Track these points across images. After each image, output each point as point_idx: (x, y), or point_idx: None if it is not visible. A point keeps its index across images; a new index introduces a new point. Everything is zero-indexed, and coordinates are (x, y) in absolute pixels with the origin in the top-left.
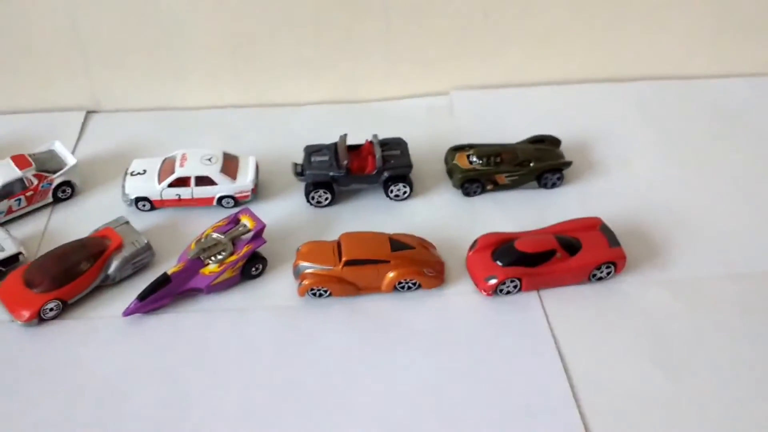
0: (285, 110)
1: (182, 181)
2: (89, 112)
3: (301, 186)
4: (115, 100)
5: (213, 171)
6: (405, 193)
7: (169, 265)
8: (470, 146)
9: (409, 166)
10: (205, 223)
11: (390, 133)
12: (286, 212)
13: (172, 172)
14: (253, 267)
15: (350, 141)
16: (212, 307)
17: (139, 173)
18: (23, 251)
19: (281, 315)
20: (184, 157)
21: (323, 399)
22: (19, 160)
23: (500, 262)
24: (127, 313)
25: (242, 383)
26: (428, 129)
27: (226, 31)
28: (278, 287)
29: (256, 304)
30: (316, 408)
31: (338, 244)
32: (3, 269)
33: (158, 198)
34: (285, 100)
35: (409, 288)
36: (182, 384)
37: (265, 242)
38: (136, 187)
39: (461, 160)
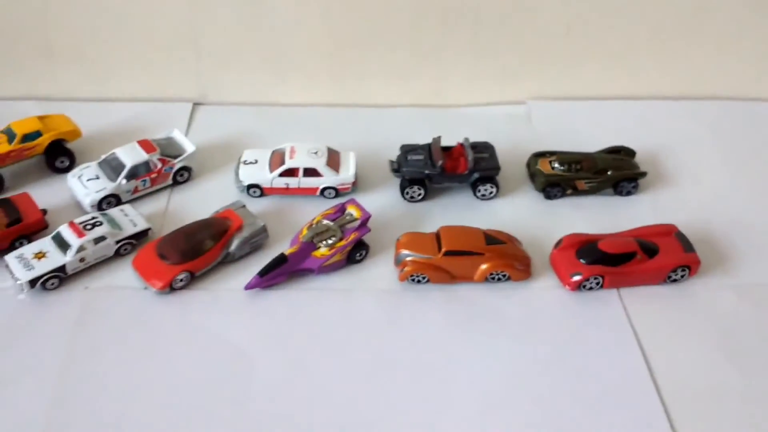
0: (374, 111)
1: (291, 172)
2: (196, 104)
3: (392, 181)
4: (219, 94)
5: (319, 164)
6: (491, 193)
7: (279, 247)
8: (552, 153)
9: (498, 168)
10: (309, 211)
11: (471, 137)
12: (380, 204)
13: (283, 163)
14: (357, 253)
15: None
16: (322, 286)
17: (251, 162)
18: (152, 227)
19: (383, 297)
20: (292, 150)
21: (421, 374)
22: (145, 145)
23: (584, 260)
24: (249, 287)
25: (349, 355)
26: (507, 135)
27: (328, 36)
28: (379, 272)
29: (359, 285)
30: (415, 382)
31: (437, 235)
32: (135, 242)
33: (268, 186)
34: (375, 101)
35: (499, 279)
36: (298, 352)
37: (369, 230)
38: (249, 175)
39: (544, 166)
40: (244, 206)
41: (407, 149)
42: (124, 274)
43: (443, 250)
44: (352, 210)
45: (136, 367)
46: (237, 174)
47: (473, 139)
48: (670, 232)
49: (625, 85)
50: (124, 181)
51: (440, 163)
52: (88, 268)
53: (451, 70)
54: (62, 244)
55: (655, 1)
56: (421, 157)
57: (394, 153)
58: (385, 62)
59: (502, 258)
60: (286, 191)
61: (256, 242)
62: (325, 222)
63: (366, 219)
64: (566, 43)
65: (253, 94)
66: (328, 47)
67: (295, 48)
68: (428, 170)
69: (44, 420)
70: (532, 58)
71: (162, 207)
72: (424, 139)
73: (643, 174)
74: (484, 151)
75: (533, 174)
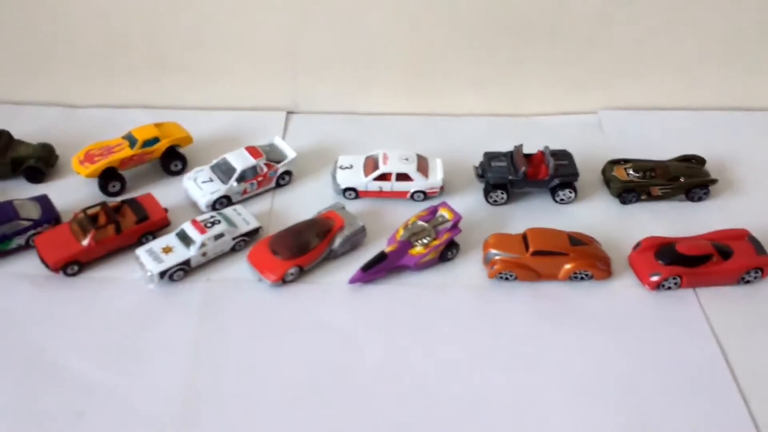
0: (453, 119)
1: (384, 176)
2: (289, 113)
3: (474, 186)
4: (310, 103)
5: (411, 169)
6: (570, 198)
7: (375, 245)
8: (626, 161)
9: (576, 174)
10: (400, 212)
11: (544, 145)
12: (464, 207)
13: (376, 168)
14: (449, 251)
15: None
16: (417, 282)
17: (347, 167)
18: (262, 226)
19: (474, 293)
20: (385, 156)
21: (511, 365)
22: (252, 151)
23: (663, 261)
24: (352, 281)
25: (445, 345)
26: (579, 143)
27: (413, 48)
28: (468, 269)
29: (451, 282)
30: (507, 371)
31: (524, 236)
32: (247, 239)
33: (363, 189)
34: (454, 110)
35: (582, 278)
36: (399, 340)
37: (460, 231)
38: (345, 179)
39: (619, 173)
40: (343, 207)
41: (490, 156)
42: (240, 268)
43: (531, 250)
44: (444, 212)
45: (257, 349)
46: (334, 178)
47: (543, 147)
48: (742, 236)
49: (693, 96)
50: (235, 184)
51: (523, 169)
52: (208, 262)
53: (526, 81)
54: (186, 240)
55: (724, 14)
56: (504, 163)
57: (473, 160)
58: (465, 74)
59: (586, 258)
60: (379, 194)
61: (356, 240)
62: (420, 223)
63: (457, 221)
64: (637, 55)
65: (341, 103)
66: (413, 60)
67: (381, 61)
68: (511, 176)
69: (180, 395)
70: (603, 69)
71: (267, 207)
72: (500, 146)
73: (714, 181)
74: (563, 158)
75: (609, 180)
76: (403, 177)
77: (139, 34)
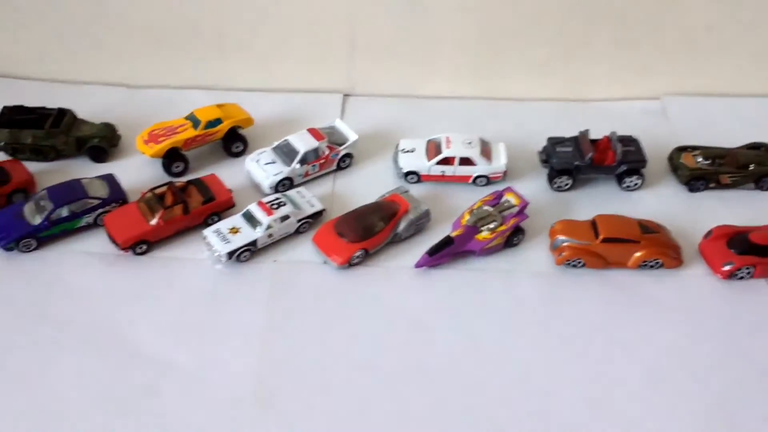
0: (513, 104)
1: (447, 160)
2: (345, 95)
3: (536, 171)
4: (367, 86)
5: (474, 153)
6: (636, 185)
7: (438, 229)
8: (695, 148)
9: (644, 161)
10: (462, 197)
11: (606, 130)
12: (526, 193)
13: (438, 153)
14: (514, 237)
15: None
16: (483, 267)
17: (408, 151)
18: (326, 208)
19: (541, 279)
20: (448, 140)
21: (582, 351)
22: (314, 133)
23: (735, 250)
24: (418, 265)
25: (514, 331)
26: (642, 129)
27: (475, 31)
28: (534, 255)
29: (518, 267)
30: (579, 358)
31: (593, 223)
32: (311, 221)
33: (426, 173)
34: (515, 95)
35: (652, 267)
36: (468, 324)
37: (527, 217)
38: (408, 163)
39: (688, 160)
40: (407, 191)
41: (555, 141)
42: (305, 250)
43: (601, 236)
44: (510, 197)
45: (326, 330)
46: (396, 161)
47: (608, 133)
48: None
49: (762, 83)
50: (297, 166)
51: (590, 155)
52: (272, 243)
53: (589, 65)
54: (252, 221)
55: None
56: (569, 149)
57: (534, 145)
58: (528, 57)
59: (657, 246)
60: (441, 178)
61: (420, 225)
62: (486, 208)
63: (524, 206)
64: (704, 40)
65: (399, 86)
66: (475, 42)
67: (443, 43)
68: (577, 161)
69: (254, 374)
70: (669, 55)
71: (328, 190)
72: (561, 131)
73: None
74: (629, 144)
75: (676, 167)
76: (465, 161)
77: (202, 17)
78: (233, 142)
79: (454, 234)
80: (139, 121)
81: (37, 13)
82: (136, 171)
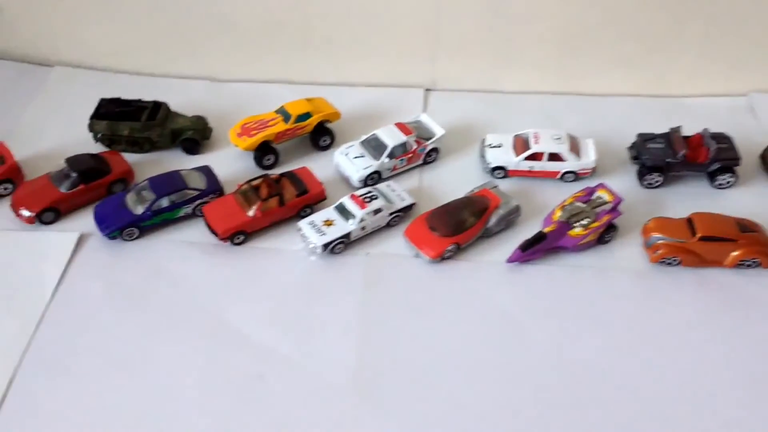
0: (595, 99)
1: (535, 156)
2: (427, 90)
3: (623, 168)
4: (449, 80)
5: (563, 149)
6: (729, 183)
7: (527, 225)
8: None
9: (738, 158)
10: (550, 193)
11: (691, 127)
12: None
13: (526, 148)
14: (606, 234)
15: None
16: (575, 263)
17: (495, 146)
18: (416, 202)
19: (635, 277)
20: (536, 136)
21: (681, 349)
22: (402, 128)
23: None
24: (511, 260)
25: (608, 329)
26: (728, 126)
27: (558, 26)
28: (627, 253)
29: (611, 264)
30: (677, 356)
31: (689, 221)
32: (402, 215)
33: (514, 168)
34: (597, 90)
35: (749, 266)
36: (562, 322)
37: (621, 214)
38: (495, 157)
39: None
40: (496, 186)
41: (645, 137)
42: (396, 243)
43: (699, 235)
44: (602, 194)
45: (420, 324)
46: (483, 156)
47: (694, 130)
48: None
49: None
50: (386, 160)
51: (683, 152)
52: (365, 236)
53: (675, 61)
54: (345, 214)
55: None
56: (661, 145)
57: (617, 141)
58: (611, 52)
59: (756, 245)
60: (529, 173)
61: (511, 220)
62: (578, 204)
63: (618, 203)
64: None
65: (481, 81)
66: (559, 36)
67: (526, 37)
68: (669, 158)
69: (353, 365)
70: (758, 51)
71: (415, 184)
72: (646, 127)
73: None
74: (723, 141)
75: None
76: (554, 157)
77: (288, 13)
78: (321, 135)
79: (546, 230)
80: (223, 114)
81: (130, 8)
82: (227, 163)
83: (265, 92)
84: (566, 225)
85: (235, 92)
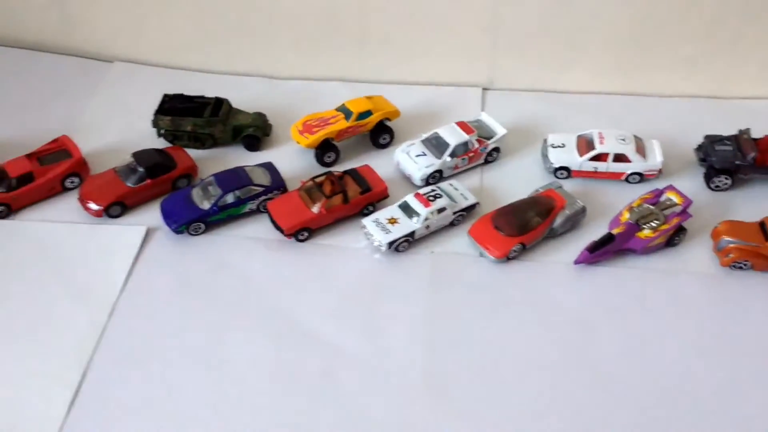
0: (657, 100)
1: (600, 157)
2: (484, 89)
3: (687, 170)
4: (506, 79)
5: (629, 150)
6: None
7: (591, 226)
8: None
9: None
10: (613, 194)
11: (755, 130)
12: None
13: (592, 148)
14: (675, 236)
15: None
16: (644, 266)
17: (558, 146)
18: (479, 201)
19: (705, 281)
20: (601, 136)
21: (756, 354)
22: (464, 127)
23: None
24: (578, 261)
25: (680, 332)
26: None
27: (621, 25)
28: (697, 256)
29: (680, 267)
30: (751, 364)
31: (762, 224)
32: (464, 214)
33: (577, 169)
34: (658, 91)
35: None
36: (631, 325)
37: (691, 216)
38: (559, 158)
39: None
40: (561, 187)
41: (713, 139)
42: (460, 242)
43: None
44: (671, 196)
45: (488, 323)
46: (546, 156)
47: (760, 133)
48: None
49: None
50: (448, 159)
51: (753, 154)
52: (428, 235)
53: (739, 63)
54: (409, 212)
55: None
56: (729, 147)
57: (681, 142)
58: (673, 53)
59: None
60: (593, 175)
61: (576, 221)
62: (647, 206)
63: (687, 205)
64: None
65: (539, 81)
66: (621, 36)
67: (587, 36)
68: (739, 161)
69: (421, 364)
70: None
71: (476, 183)
72: (708, 129)
73: None
74: None
75: None
76: (620, 158)
77: (348, 12)
78: (381, 133)
79: (615, 231)
80: (280, 111)
81: (189, 6)
82: (287, 159)
83: (320, 90)
84: (635, 226)
85: (291, 90)
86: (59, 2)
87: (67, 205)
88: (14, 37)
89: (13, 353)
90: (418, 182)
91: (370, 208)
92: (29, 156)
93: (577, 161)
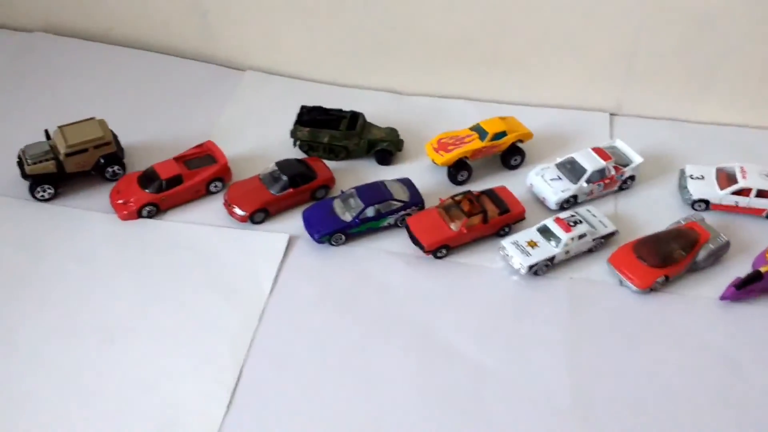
0: None
1: (742, 191)
2: (612, 115)
3: None
4: (636, 106)
5: None
6: None
7: (730, 261)
8: None
9: None
10: (752, 230)
11: None
12: None
13: (733, 182)
14: None
15: None
16: None
17: (697, 177)
18: (618, 230)
19: None
20: (743, 170)
21: None
22: (600, 153)
23: None
24: (723, 297)
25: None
26: None
27: (759, 56)
28: None
29: None
30: None
31: None
32: (602, 241)
33: (717, 202)
34: None
35: None
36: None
37: None
38: (698, 190)
39: None
40: (703, 219)
41: None
42: (599, 269)
43: None
44: None
45: (628, 355)
46: (685, 187)
47: None
48: None
49: None
50: (584, 184)
51: None
52: (566, 260)
53: None
54: (548, 236)
55: None
56: None
57: None
58: None
59: None
60: (734, 209)
61: (719, 255)
62: None
63: None
64: None
65: (670, 109)
66: (756, 68)
67: (725, 66)
68: None
69: (568, 390)
70: None
71: (611, 210)
72: None
73: None
74: None
75: None
76: (762, 193)
77: (484, 33)
78: (513, 155)
79: (764, 269)
80: (407, 126)
81: (324, 19)
82: (417, 176)
83: (445, 107)
84: None
85: (417, 105)
86: (200, 12)
87: (212, 208)
88: (159, 44)
89: (171, 351)
90: (552, 206)
91: (507, 230)
92: (177, 159)
93: (717, 194)
